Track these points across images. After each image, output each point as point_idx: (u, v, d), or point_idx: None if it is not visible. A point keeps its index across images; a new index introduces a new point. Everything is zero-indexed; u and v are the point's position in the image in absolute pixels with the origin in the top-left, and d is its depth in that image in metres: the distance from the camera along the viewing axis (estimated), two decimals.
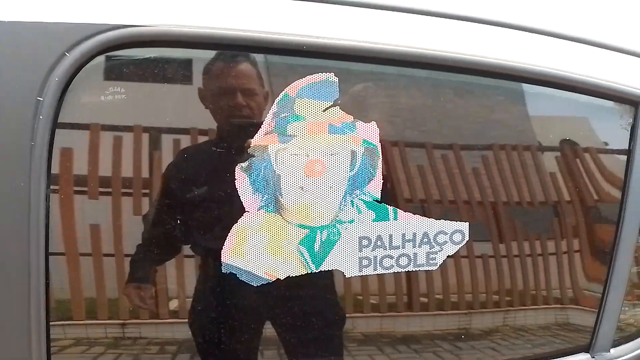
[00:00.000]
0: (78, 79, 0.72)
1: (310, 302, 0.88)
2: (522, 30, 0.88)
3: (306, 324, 0.87)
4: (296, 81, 0.79)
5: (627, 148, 0.92)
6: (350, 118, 0.82)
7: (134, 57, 0.75)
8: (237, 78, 0.80)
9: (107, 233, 0.79)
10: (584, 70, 0.89)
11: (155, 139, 0.78)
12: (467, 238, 0.88)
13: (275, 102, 0.79)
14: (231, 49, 0.77)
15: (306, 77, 0.80)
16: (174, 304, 0.84)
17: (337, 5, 0.82)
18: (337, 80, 0.80)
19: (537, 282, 0.95)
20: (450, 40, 0.84)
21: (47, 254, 0.74)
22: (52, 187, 0.73)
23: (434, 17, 0.86)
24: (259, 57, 0.81)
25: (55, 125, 0.72)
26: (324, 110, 0.81)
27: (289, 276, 0.82)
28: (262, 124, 0.79)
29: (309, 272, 0.83)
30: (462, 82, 0.88)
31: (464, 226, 0.88)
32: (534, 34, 0.89)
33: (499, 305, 0.95)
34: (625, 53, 0.90)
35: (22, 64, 0.70)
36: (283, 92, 0.79)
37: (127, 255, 0.81)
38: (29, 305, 0.73)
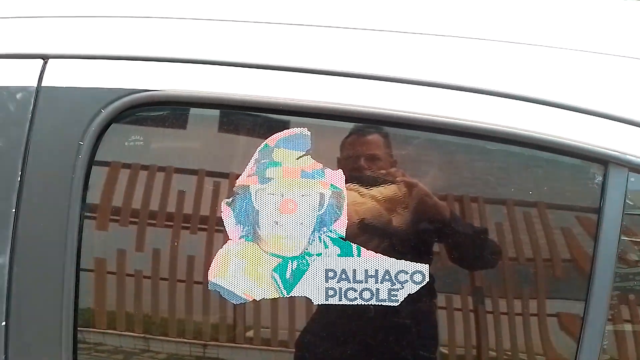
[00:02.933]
0: (109, 129, 0.97)
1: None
2: (490, 95, 0.97)
3: None
4: (275, 134, 0.97)
5: (597, 205, 0.94)
6: (320, 165, 0.97)
7: (151, 114, 0.98)
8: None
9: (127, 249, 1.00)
10: (555, 131, 0.95)
11: (165, 175, 0.99)
12: (427, 279, 0.96)
13: (257, 150, 0.97)
14: (224, 108, 0.98)
15: (284, 131, 0.97)
16: None
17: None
18: (310, 134, 0.96)
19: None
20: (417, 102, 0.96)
21: (79, 261, 0.97)
22: (86, 209, 0.97)
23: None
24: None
25: (91, 163, 0.97)
26: (298, 158, 0.97)
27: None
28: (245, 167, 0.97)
29: (281, 296, 0.97)
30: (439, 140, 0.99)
31: (424, 267, 0.96)
32: (503, 97, 0.97)
33: None
34: (593, 114, 0.94)
35: (71, 117, 0.96)
36: (264, 142, 0.97)
37: (145, 277, 1.01)
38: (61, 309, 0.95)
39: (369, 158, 0.99)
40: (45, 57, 0.98)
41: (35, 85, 0.97)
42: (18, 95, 0.97)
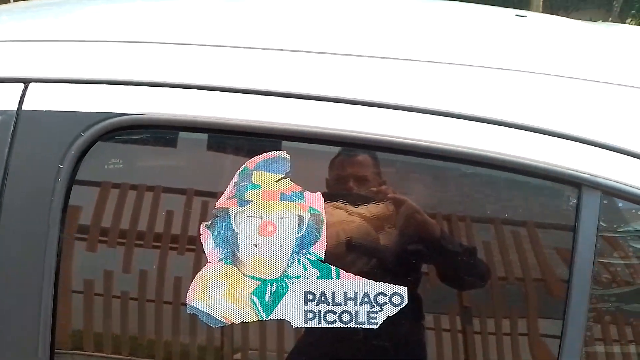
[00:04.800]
0: (89, 153, 0.97)
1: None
2: (467, 119, 0.98)
3: None
4: (255, 157, 0.98)
5: (572, 227, 0.96)
6: (299, 188, 0.97)
7: (130, 137, 0.99)
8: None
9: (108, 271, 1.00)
10: (530, 155, 0.96)
11: (145, 195, 1.00)
12: (405, 301, 0.96)
13: (237, 173, 0.98)
14: (204, 132, 0.99)
15: (263, 154, 0.98)
16: None
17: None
18: (289, 157, 0.97)
19: None
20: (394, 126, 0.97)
21: (57, 273, 0.96)
22: (65, 233, 0.97)
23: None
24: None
25: (71, 186, 0.97)
26: (277, 181, 0.98)
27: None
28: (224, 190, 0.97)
29: (260, 319, 0.97)
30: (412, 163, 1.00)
31: (403, 289, 0.96)
32: (480, 122, 0.99)
33: None
34: (567, 138, 0.96)
35: (51, 140, 0.96)
36: (243, 165, 0.98)
37: (127, 299, 1.01)
38: (38, 331, 0.95)
39: (353, 179, 1.00)
40: (25, 81, 0.99)
41: (16, 109, 0.97)
42: None
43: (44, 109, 0.97)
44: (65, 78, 0.99)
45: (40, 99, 0.98)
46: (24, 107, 0.97)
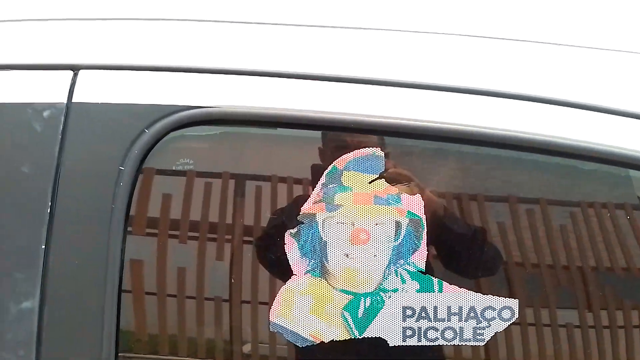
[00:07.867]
0: (154, 151, 0.84)
1: None
2: (538, 102, 0.87)
3: None
4: (344, 155, 0.85)
5: None
6: (395, 190, 0.86)
7: (203, 134, 0.86)
8: None
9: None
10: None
11: (221, 205, 0.87)
12: (516, 315, 0.86)
13: (324, 174, 0.85)
14: (284, 127, 0.86)
15: (354, 152, 0.85)
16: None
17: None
18: (383, 155, 0.85)
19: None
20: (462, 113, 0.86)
21: (120, 292, 0.84)
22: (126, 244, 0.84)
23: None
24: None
25: (133, 191, 0.84)
26: (370, 182, 0.86)
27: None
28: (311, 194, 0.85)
29: (352, 337, 0.86)
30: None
31: (514, 303, 0.86)
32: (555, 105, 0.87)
33: None
34: None
35: (108, 138, 0.83)
36: (332, 165, 0.85)
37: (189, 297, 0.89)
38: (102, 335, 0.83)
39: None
40: (75, 68, 0.85)
41: (65, 102, 0.84)
42: (45, 114, 0.83)
43: (99, 101, 0.84)
44: (122, 64, 0.85)
45: (93, 89, 0.84)
46: (75, 99, 0.84)
